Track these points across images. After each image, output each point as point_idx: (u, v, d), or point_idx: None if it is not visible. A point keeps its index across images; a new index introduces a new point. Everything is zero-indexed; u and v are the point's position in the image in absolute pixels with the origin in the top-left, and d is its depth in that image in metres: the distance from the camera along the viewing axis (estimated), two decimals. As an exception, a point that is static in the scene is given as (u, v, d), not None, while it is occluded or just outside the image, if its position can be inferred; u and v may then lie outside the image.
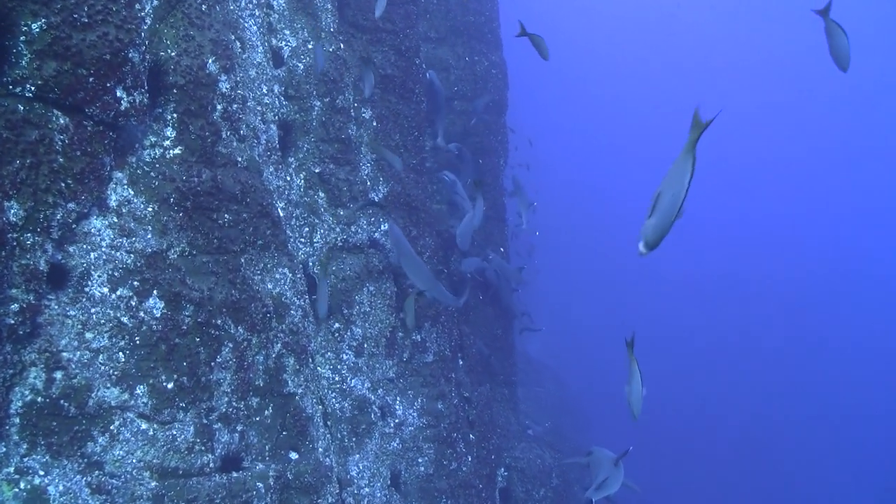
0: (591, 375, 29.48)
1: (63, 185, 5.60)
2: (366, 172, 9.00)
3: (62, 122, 5.52)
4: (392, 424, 8.85)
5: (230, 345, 6.72)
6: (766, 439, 36.26)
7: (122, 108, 5.85)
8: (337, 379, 8.33)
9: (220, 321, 6.63)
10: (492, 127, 12.47)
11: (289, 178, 8.18)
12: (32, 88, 5.34)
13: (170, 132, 6.50)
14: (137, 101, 5.99)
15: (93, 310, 5.92)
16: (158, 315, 6.20)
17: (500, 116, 12.80)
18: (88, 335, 5.89)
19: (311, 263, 8.30)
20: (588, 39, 65.29)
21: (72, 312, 5.84)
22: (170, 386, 6.23)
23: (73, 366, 5.81)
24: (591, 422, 25.14)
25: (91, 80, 5.60)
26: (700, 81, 69.32)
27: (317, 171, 8.38)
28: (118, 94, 5.81)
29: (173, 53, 6.55)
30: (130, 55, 5.85)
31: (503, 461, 11.84)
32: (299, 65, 8.36)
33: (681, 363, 39.20)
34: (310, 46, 8.47)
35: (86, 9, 5.52)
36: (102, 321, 5.94)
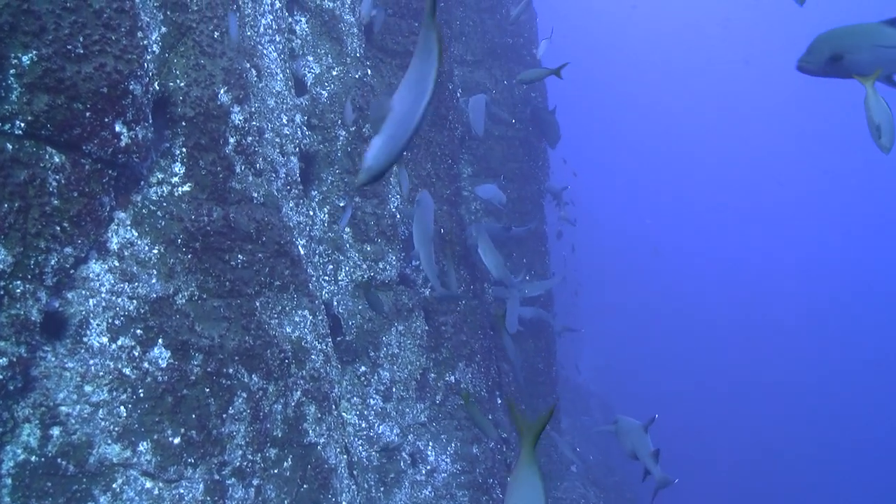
0: (641, 400, 28.71)
1: (58, 228, 5.20)
2: (394, 205, 8.52)
3: (56, 160, 5.13)
4: (423, 471, 8.32)
5: (244, 394, 6.27)
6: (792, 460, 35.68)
7: (122, 144, 5.45)
8: (364, 425, 7.83)
9: (232, 370, 6.18)
10: (532, 151, 11.92)
11: (311, 213, 7.74)
12: (22, 125, 4.96)
13: (178, 168, 6.10)
14: (140, 136, 5.59)
15: (91, 361, 5.50)
16: (164, 365, 5.77)
17: (539, 140, 12.26)
18: (88, 388, 5.48)
19: (335, 303, 7.83)
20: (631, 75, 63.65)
21: (70, 364, 5.44)
22: (176, 441, 5.79)
23: (73, 421, 5.40)
24: (642, 450, 24.29)
25: (88, 114, 5.22)
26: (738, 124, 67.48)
27: (342, 204, 7.92)
28: (117, 129, 5.41)
29: (182, 84, 6.15)
30: (131, 87, 5.45)
31: None
32: (323, 92, 7.93)
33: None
34: (334, 73, 8.04)
35: (81, 39, 5.13)
36: (102, 373, 5.52)
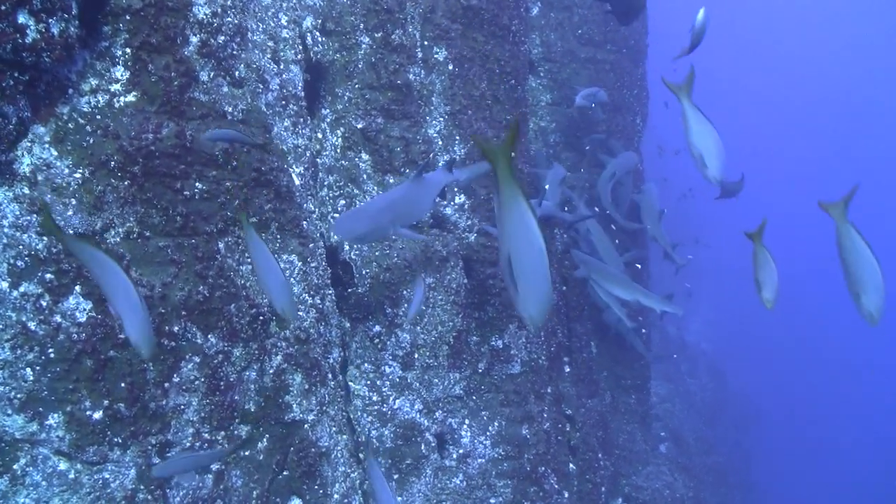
0: (758, 364, 26.36)
1: (-71, 143, 4.03)
2: (436, 129, 6.95)
3: (-76, 57, 3.92)
4: (455, 455, 6.89)
5: (196, 359, 5.03)
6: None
7: (28, 40, 4.18)
8: (375, 399, 6.46)
9: (177, 328, 4.94)
10: (626, 78, 10.08)
11: (319, 136, 6.36)
12: None
13: (120, 73, 4.80)
14: (55, 30, 4.30)
15: (-12, 311, 4.36)
16: (82, 319, 4.57)
17: (636, 66, 10.36)
18: (-17, 345, 4.35)
19: (346, 246, 6.44)
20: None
21: (-42, 315, 4.32)
22: (97, 415, 4.61)
23: (-39, 386, 4.30)
24: (759, 419, 22.15)
25: (-30, -2, 3.96)
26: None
27: (359, 126, 6.46)
28: (20, 20, 4.14)
29: (129, -37, 4.82)
30: (36, -37, 4.16)
31: (620, 491, 9.67)
32: (344, -11, 6.46)
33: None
34: (360, -34, 6.54)
35: None
36: (2, 327, 4.37)
